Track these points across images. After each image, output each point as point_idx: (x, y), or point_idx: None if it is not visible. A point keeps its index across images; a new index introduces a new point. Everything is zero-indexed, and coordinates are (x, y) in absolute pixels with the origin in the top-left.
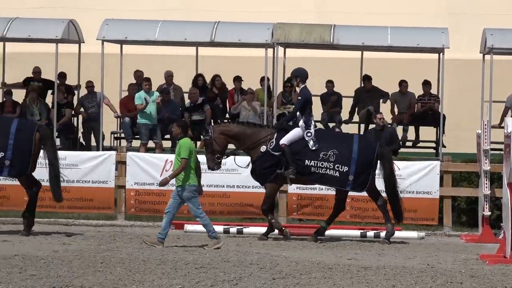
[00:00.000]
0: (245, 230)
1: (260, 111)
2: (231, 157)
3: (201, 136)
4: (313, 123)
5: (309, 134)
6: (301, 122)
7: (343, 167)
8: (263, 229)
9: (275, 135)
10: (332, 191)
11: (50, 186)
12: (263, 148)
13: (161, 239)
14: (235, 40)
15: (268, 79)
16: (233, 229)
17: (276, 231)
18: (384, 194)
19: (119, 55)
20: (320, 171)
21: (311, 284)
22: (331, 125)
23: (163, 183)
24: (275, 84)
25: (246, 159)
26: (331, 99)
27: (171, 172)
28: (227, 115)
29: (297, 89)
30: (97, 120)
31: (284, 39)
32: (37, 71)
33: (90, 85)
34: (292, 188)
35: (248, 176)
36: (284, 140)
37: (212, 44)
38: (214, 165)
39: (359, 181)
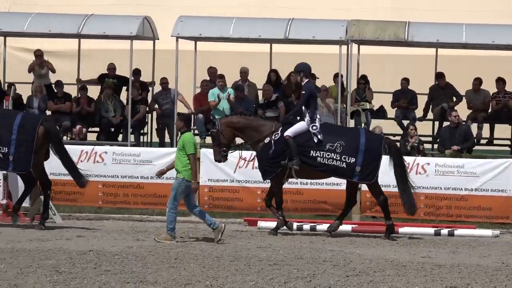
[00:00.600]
0: (318, 227)
1: (334, 108)
2: None
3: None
4: (318, 117)
5: (314, 128)
6: (306, 117)
7: (350, 158)
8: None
9: (280, 128)
10: None
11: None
12: (267, 140)
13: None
14: (309, 37)
15: (342, 76)
16: (306, 226)
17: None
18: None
19: (193, 51)
20: (326, 162)
21: (385, 282)
22: (405, 122)
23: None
24: (349, 81)
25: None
26: (402, 99)
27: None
28: None
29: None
30: (171, 116)
31: (358, 36)
32: (112, 67)
33: (164, 82)
34: (366, 186)
35: None
36: (288, 132)
37: (286, 41)
38: (221, 157)
39: (367, 172)
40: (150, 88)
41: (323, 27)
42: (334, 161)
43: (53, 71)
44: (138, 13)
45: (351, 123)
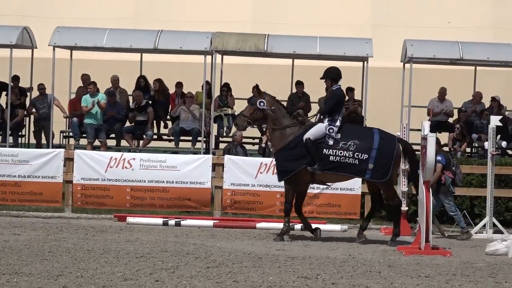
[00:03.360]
0: (183, 222)
1: (198, 114)
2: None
3: (144, 136)
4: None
5: (331, 131)
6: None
7: (363, 155)
8: (199, 222)
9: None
10: None
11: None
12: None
13: None
14: (177, 47)
15: (209, 84)
16: (171, 221)
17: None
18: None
19: (69, 60)
20: (338, 160)
21: (242, 273)
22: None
23: None
24: (213, 88)
25: None
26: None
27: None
28: (168, 116)
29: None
30: (48, 120)
31: (222, 47)
32: None
33: (41, 88)
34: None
35: (186, 173)
36: (308, 135)
37: (156, 50)
38: None
39: (379, 169)
40: (28, 94)
41: (189, 39)
42: (347, 158)
43: None
44: (20, 24)
45: (215, 127)
